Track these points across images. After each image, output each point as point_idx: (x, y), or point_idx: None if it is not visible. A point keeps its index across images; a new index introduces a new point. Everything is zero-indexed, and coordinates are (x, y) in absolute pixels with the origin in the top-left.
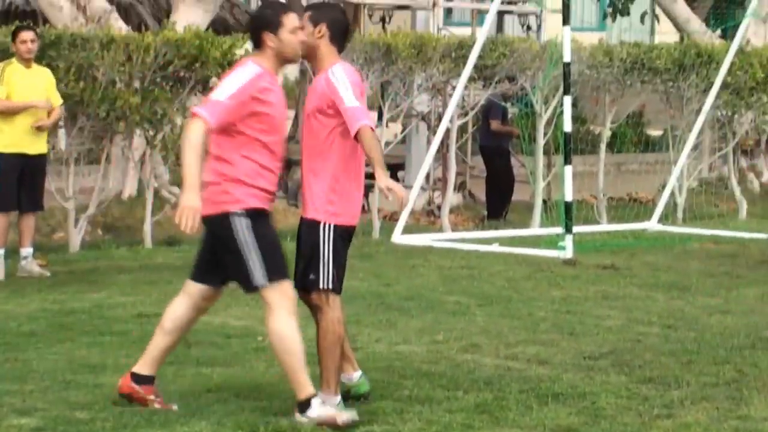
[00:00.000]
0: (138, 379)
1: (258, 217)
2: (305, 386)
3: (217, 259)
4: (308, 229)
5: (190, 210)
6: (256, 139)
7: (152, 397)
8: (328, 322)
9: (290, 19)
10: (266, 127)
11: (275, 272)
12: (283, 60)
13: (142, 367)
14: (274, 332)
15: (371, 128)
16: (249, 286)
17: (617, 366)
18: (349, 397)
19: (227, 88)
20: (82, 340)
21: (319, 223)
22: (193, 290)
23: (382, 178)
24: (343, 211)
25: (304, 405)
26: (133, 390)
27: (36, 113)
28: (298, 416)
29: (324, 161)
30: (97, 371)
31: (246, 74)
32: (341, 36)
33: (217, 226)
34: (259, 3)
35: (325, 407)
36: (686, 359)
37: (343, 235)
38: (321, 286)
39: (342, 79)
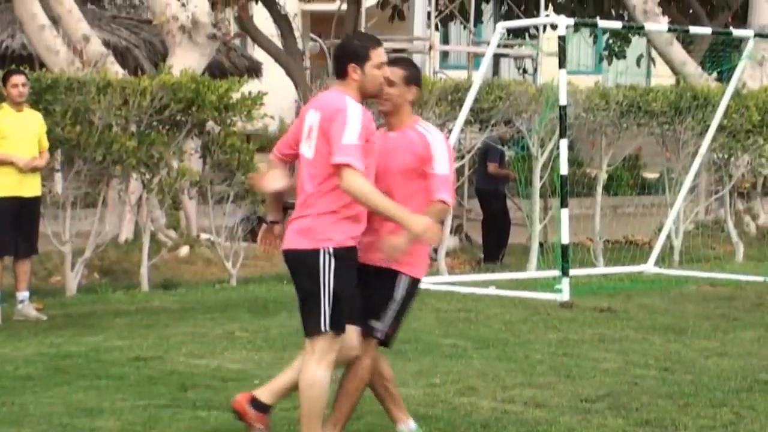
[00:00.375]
0: (255, 403)
1: (345, 259)
2: None
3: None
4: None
5: (427, 229)
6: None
7: (261, 426)
8: (361, 368)
9: (377, 54)
10: (371, 155)
11: (337, 324)
12: (364, 93)
13: (263, 394)
14: (309, 378)
15: (446, 203)
16: (315, 329)
17: (614, 409)
18: None
19: (354, 128)
20: (79, 383)
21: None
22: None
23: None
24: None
25: None
26: (245, 411)
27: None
28: None
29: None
30: (93, 415)
31: (359, 110)
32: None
33: (301, 262)
34: (255, 47)
35: None
36: (683, 402)
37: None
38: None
39: (441, 142)
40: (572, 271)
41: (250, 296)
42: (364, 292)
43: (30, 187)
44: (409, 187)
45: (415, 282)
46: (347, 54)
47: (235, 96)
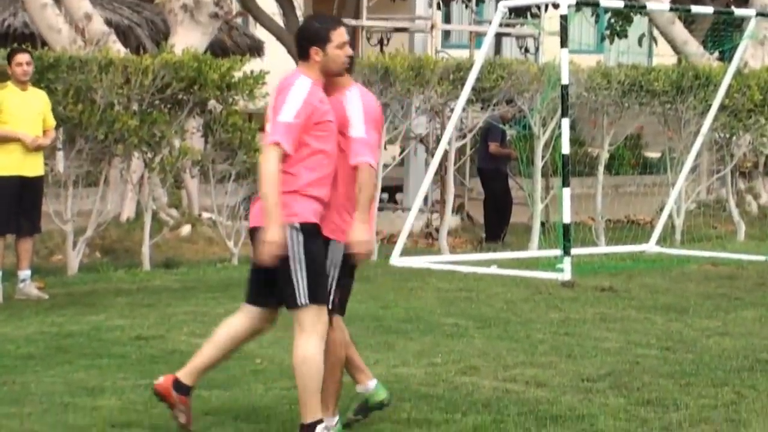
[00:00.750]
0: (178, 386)
1: (312, 234)
2: (315, 411)
3: (272, 278)
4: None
5: (271, 245)
6: (319, 150)
7: (182, 407)
8: (331, 344)
9: (338, 34)
10: (326, 135)
11: (317, 295)
12: (327, 73)
13: (186, 376)
14: (300, 354)
15: (371, 166)
16: (292, 304)
17: (616, 388)
18: (367, 408)
19: (291, 106)
20: (80, 362)
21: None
22: (249, 312)
23: (358, 227)
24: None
25: (309, 429)
26: (169, 393)
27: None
28: None
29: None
30: (95, 394)
31: (304, 88)
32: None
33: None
34: (257, 26)
35: None
36: (685, 381)
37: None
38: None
39: (357, 105)
40: (574, 251)
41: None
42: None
43: (33, 166)
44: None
45: (341, 245)
46: (308, 37)
47: (237, 75)
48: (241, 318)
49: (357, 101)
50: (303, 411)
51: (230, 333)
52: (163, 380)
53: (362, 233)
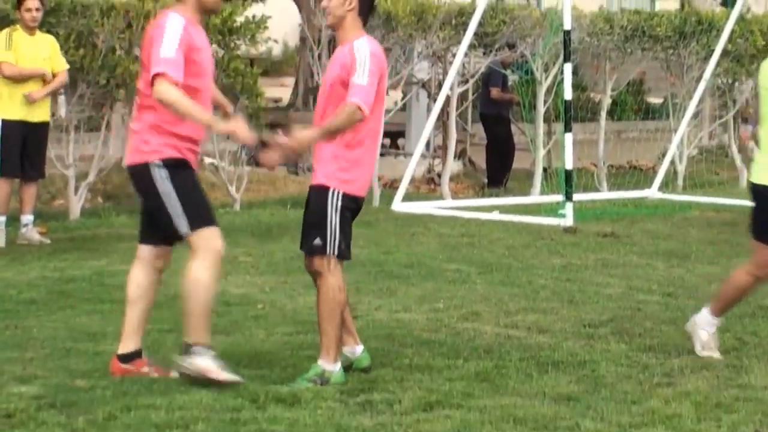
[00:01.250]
0: (125, 358)
1: (177, 167)
2: (202, 334)
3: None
4: (317, 195)
5: (236, 126)
6: (188, 85)
7: (146, 369)
8: (329, 289)
9: None
10: (198, 71)
11: (198, 220)
12: (203, 10)
13: (125, 346)
14: (190, 277)
15: (359, 109)
16: (177, 237)
17: (617, 334)
18: (350, 370)
19: (171, 42)
20: (83, 307)
21: (328, 188)
22: (144, 254)
23: (305, 131)
24: (354, 179)
25: (190, 348)
26: (125, 370)
27: (39, 82)
28: (177, 358)
29: None
30: (97, 339)
31: (179, 25)
32: (368, 10)
33: (138, 177)
34: None
35: (206, 360)
36: None
37: (350, 205)
38: (327, 251)
39: (364, 55)
40: (576, 196)
41: (254, 221)
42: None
43: (38, 112)
44: (337, 99)
45: (346, 198)
46: None
47: (239, 20)
48: (138, 264)
49: (365, 50)
50: (190, 332)
51: (134, 285)
52: (112, 367)
53: (303, 135)
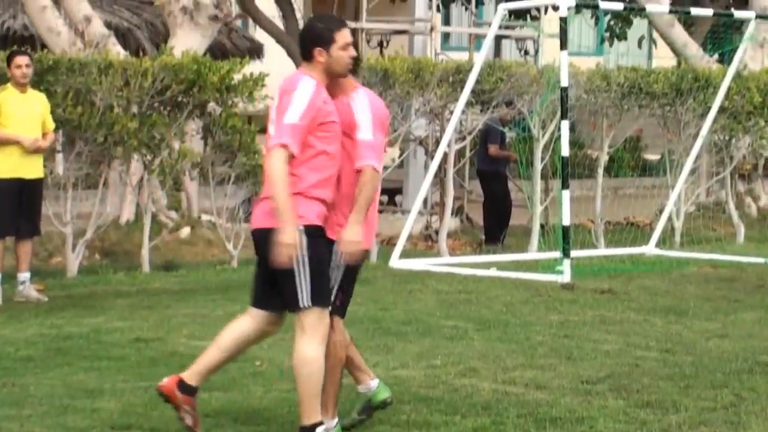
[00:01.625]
0: (183, 387)
1: (316, 236)
2: (314, 413)
3: (276, 280)
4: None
5: (288, 247)
6: (323, 151)
7: (187, 408)
8: (330, 346)
9: (342, 35)
10: (330, 136)
11: (319, 297)
12: (331, 75)
13: (190, 377)
14: (301, 356)
15: (375, 169)
16: (294, 306)
17: (615, 390)
18: (370, 408)
19: (297, 108)
20: (80, 364)
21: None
22: (256, 315)
23: (351, 227)
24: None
25: (308, 431)
26: (173, 394)
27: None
28: None
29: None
30: (94, 396)
31: (308, 89)
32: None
33: (271, 240)
34: (257, 28)
35: None
36: (684, 384)
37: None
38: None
39: (365, 107)
40: (573, 253)
41: (251, 277)
42: None
43: (32, 168)
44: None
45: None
46: (312, 38)
47: (237, 77)
48: (247, 321)
49: (365, 103)
50: (303, 413)
51: (235, 336)
52: (167, 381)
53: (354, 234)
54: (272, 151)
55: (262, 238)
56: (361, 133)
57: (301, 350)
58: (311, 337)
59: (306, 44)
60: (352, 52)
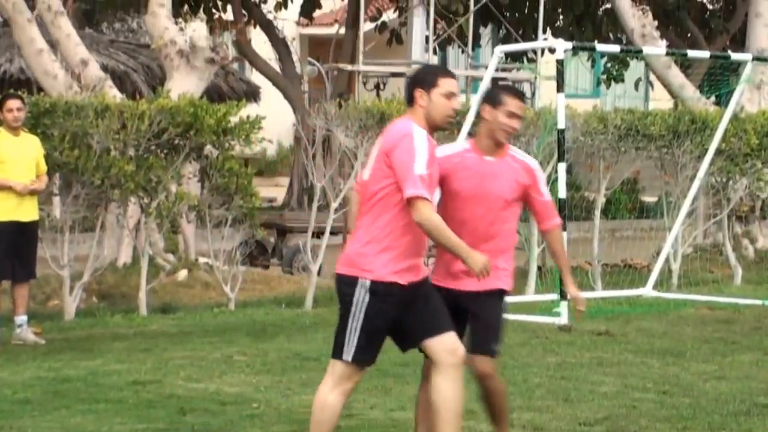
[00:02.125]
0: None
1: (380, 294)
2: None
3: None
4: (493, 298)
5: (482, 263)
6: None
7: None
8: (499, 384)
9: (446, 82)
10: (435, 185)
11: (362, 357)
12: (430, 123)
13: None
14: (320, 399)
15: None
16: (337, 354)
17: None
18: None
19: (421, 158)
20: (78, 407)
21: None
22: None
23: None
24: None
25: None
26: None
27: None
28: None
29: None
30: None
31: (423, 138)
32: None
33: (343, 285)
34: (254, 71)
35: None
36: (682, 425)
37: None
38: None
39: (541, 169)
40: None
41: (249, 320)
42: (474, 318)
43: (27, 212)
44: (506, 212)
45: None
46: (415, 80)
47: (234, 120)
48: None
49: (538, 165)
50: None
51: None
52: None
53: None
54: (419, 207)
55: (336, 282)
56: (545, 193)
57: (323, 394)
58: (336, 386)
59: (409, 86)
60: (455, 103)
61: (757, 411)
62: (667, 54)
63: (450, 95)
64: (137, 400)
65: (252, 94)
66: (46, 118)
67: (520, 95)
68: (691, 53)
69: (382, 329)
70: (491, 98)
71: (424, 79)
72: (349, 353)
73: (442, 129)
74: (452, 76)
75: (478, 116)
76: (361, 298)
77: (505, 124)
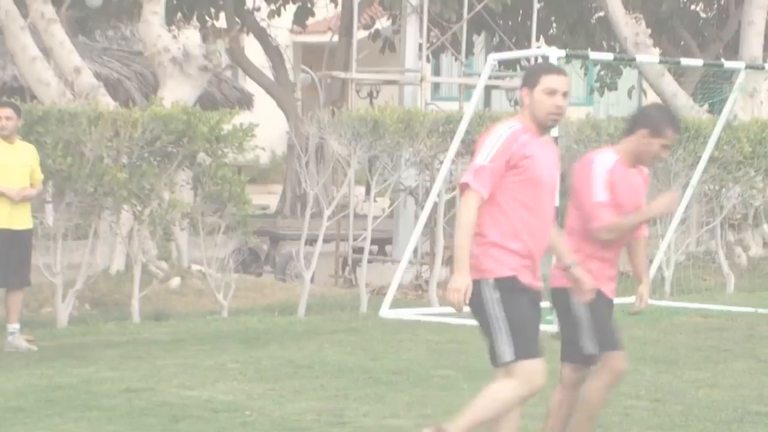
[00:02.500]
0: None
1: (509, 288)
2: (460, 429)
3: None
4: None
5: (456, 292)
6: (516, 198)
7: None
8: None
9: (549, 79)
10: (526, 179)
11: (525, 349)
12: (536, 122)
13: None
14: (495, 388)
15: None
16: (496, 362)
17: None
18: None
19: (488, 150)
20: (70, 415)
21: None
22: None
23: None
24: None
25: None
26: None
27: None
28: None
29: None
30: None
31: (503, 132)
32: None
33: (474, 293)
34: (247, 78)
35: None
36: None
37: None
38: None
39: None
40: None
41: (242, 327)
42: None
43: (21, 220)
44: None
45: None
46: (523, 79)
47: (227, 127)
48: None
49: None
50: (456, 419)
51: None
52: None
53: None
54: (464, 195)
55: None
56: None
57: (499, 385)
58: (516, 387)
59: (521, 86)
60: (558, 101)
61: (749, 418)
62: (660, 62)
63: (552, 92)
64: (130, 408)
65: (245, 101)
66: (39, 125)
67: (679, 128)
68: (684, 61)
69: (526, 316)
70: (654, 125)
71: (527, 78)
72: (509, 353)
73: (549, 126)
74: (557, 72)
75: (630, 132)
76: (489, 296)
77: (658, 153)
